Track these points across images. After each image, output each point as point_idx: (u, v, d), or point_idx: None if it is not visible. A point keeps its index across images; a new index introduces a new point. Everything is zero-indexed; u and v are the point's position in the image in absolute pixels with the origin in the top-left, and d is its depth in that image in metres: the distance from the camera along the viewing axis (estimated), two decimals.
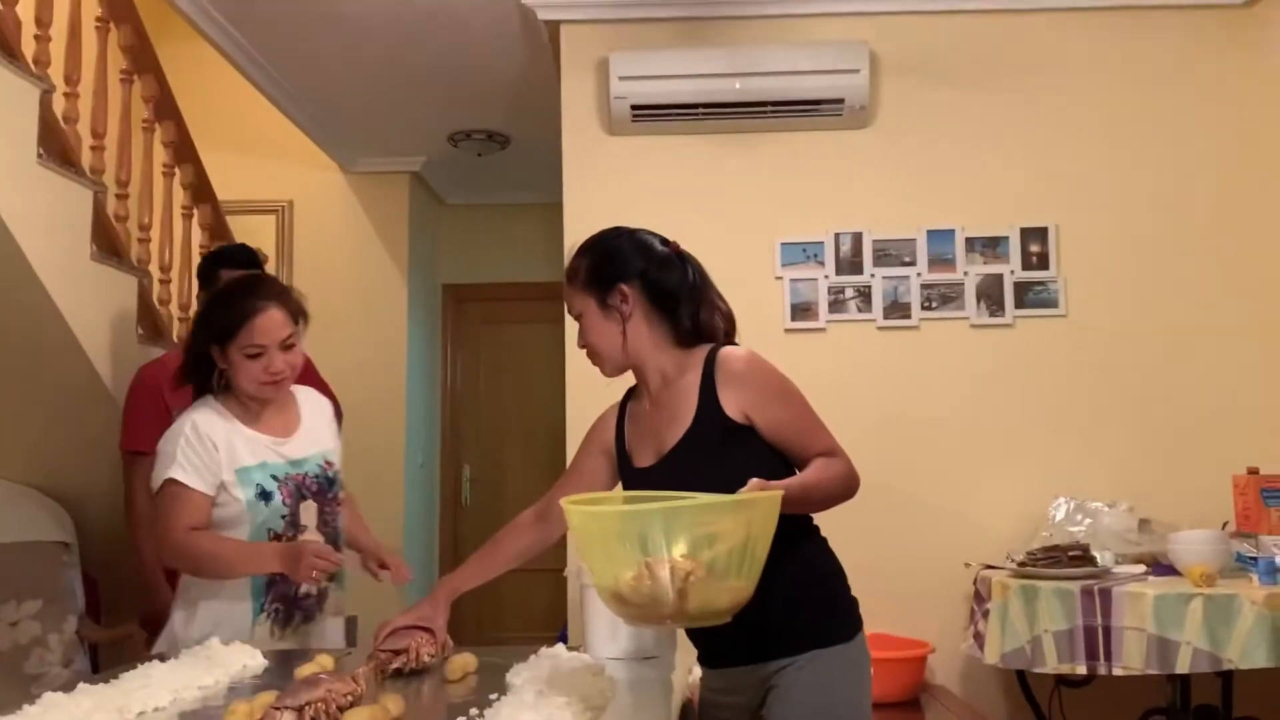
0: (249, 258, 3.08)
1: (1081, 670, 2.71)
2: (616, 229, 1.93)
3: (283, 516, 2.27)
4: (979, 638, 3.05)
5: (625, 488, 1.89)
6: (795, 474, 1.74)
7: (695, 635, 1.85)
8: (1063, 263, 3.56)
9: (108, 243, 3.27)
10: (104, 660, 3.35)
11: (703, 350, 1.85)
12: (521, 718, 1.42)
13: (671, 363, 1.86)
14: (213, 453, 2.23)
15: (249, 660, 2.04)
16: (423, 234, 5.60)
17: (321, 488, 2.34)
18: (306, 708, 1.46)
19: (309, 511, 2.31)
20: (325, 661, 1.87)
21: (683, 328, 1.86)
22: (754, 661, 1.78)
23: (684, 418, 1.79)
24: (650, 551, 1.44)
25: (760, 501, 1.51)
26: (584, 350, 1.90)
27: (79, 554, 3.38)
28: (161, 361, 3.11)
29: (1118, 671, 2.63)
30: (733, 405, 1.77)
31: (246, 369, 2.22)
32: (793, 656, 1.75)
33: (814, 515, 1.85)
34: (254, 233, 4.96)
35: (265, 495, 2.26)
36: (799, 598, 1.75)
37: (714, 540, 1.45)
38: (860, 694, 1.80)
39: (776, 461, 1.78)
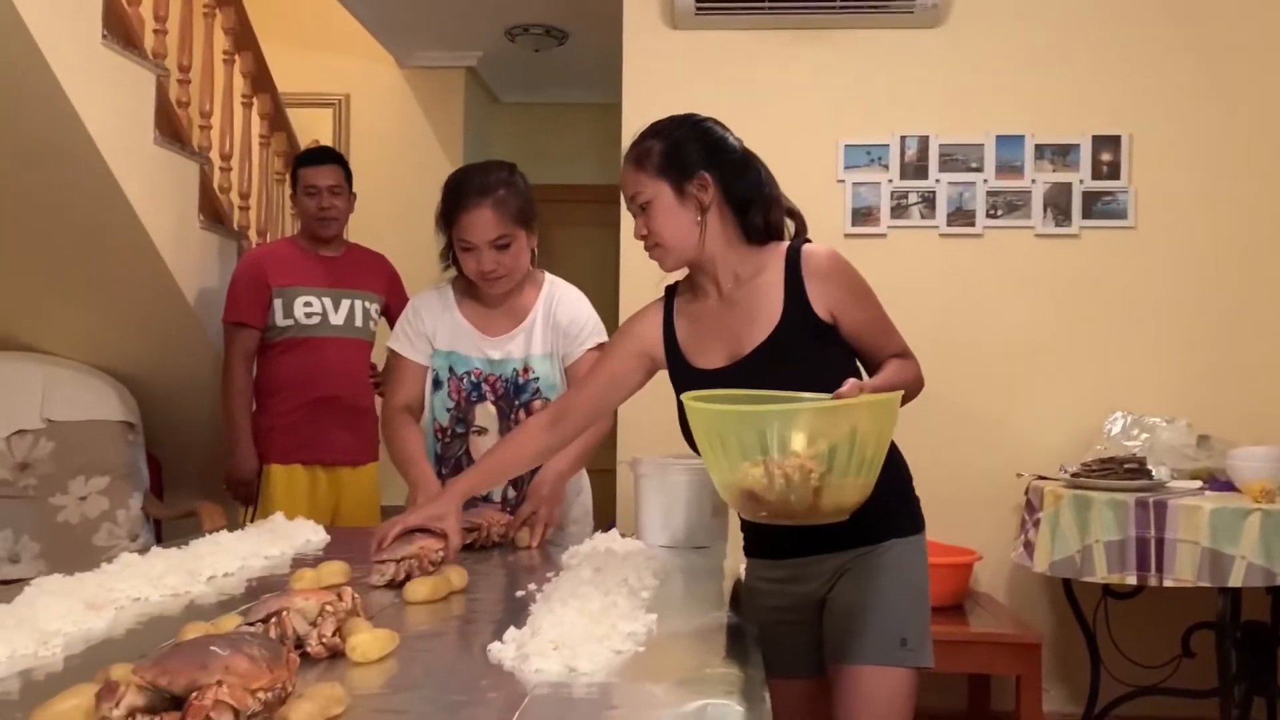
0: (316, 155, 3.34)
1: (1131, 581, 2.71)
2: (691, 115, 1.81)
3: (448, 410, 2.29)
4: (1029, 546, 3.05)
5: (684, 390, 1.69)
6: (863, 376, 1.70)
7: (764, 528, 1.78)
8: (1134, 173, 3.45)
9: (170, 127, 3.26)
10: (167, 537, 3.46)
11: (777, 248, 1.77)
12: (580, 591, 1.45)
13: (744, 260, 1.77)
14: (422, 325, 2.30)
15: (312, 535, 2.11)
16: (478, 132, 5.55)
17: (508, 393, 2.27)
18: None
19: (487, 415, 2.28)
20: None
21: (754, 225, 1.78)
22: (832, 550, 1.75)
23: (768, 316, 1.72)
24: (785, 451, 1.43)
25: (887, 403, 1.50)
26: (643, 241, 1.76)
27: (143, 434, 3.47)
28: (269, 246, 3.50)
29: (1169, 583, 2.62)
30: (821, 304, 1.71)
31: (463, 260, 2.22)
32: (872, 545, 1.74)
33: None
34: (312, 126, 4.97)
35: (437, 383, 2.30)
36: (881, 487, 1.62)
37: (853, 439, 1.44)
38: (927, 583, 1.80)
39: (850, 362, 1.75)
